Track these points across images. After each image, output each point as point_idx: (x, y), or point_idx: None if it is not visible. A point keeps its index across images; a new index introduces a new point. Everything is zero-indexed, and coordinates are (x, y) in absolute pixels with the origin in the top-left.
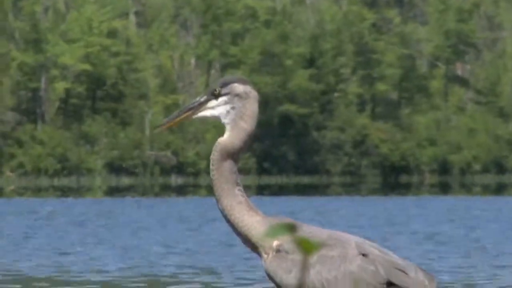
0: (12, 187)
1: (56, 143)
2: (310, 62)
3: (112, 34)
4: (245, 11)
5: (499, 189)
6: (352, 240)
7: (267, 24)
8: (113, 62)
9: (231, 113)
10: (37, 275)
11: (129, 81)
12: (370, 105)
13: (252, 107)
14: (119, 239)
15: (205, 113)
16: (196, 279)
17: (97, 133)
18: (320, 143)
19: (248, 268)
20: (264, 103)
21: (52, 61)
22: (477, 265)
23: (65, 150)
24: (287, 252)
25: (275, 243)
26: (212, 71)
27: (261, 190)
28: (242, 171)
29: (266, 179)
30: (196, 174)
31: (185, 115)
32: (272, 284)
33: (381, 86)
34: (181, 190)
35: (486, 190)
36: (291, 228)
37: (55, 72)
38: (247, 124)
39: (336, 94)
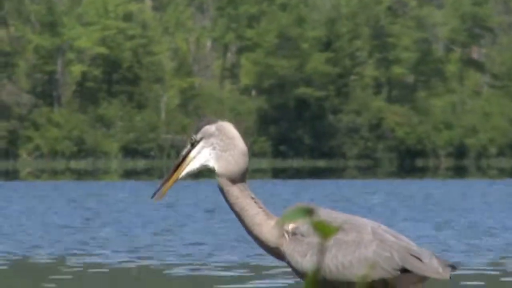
0: (28, 169)
1: (72, 126)
2: (326, 46)
3: (128, 17)
4: None
5: None
6: (368, 225)
7: (283, 7)
8: (129, 45)
9: (212, 153)
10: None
11: (145, 64)
12: (386, 88)
13: (229, 134)
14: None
15: (192, 165)
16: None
17: (113, 116)
18: (336, 127)
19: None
20: (280, 86)
21: (68, 44)
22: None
23: (81, 133)
24: (303, 235)
25: (291, 226)
26: (228, 54)
27: (277, 173)
28: (258, 154)
29: (282, 163)
30: None
31: (175, 175)
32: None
33: (397, 70)
34: (197, 174)
35: (502, 173)
36: (308, 212)
37: (71, 55)
38: (235, 149)
39: (352, 77)
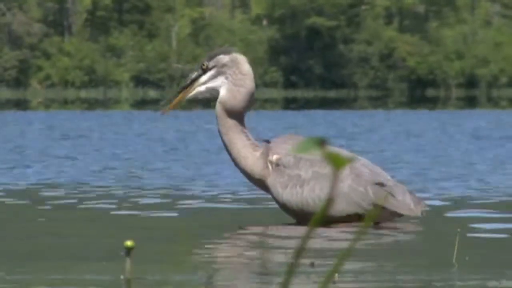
0: (39, 99)
1: (83, 55)
2: None
3: None
4: None
5: None
6: None
7: None
8: None
9: (225, 82)
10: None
11: None
12: (398, 18)
13: (242, 69)
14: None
15: (200, 88)
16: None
17: (124, 46)
18: (347, 56)
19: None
20: (292, 16)
21: None
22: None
23: (92, 62)
24: (285, 167)
25: (274, 157)
26: None
27: (288, 103)
28: (269, 84)
29: (293, 93)
30: None
31: (180, 95)
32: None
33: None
34: (207, 103)
35: None
36: (320, 143)
37: None
38: (244, 86)
39: (363, 7)
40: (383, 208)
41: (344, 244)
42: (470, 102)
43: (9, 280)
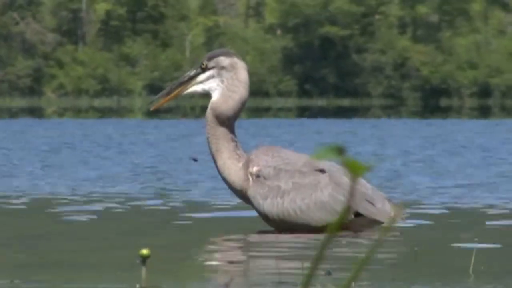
0: (53, 108)
1: (96, 64)
2: None
3: None
4: None
5: None
6: (326, 168)
7: None
8: None
9: (220, 86)
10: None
11: (170, 2)
12: (411, 27)
13: (239, 76)
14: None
15: (196, 88)
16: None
17: (137, 55)
18: (361, 66)
19: None
20: (305, 25)
21: None
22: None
23: (105, 71)
24: (265, 178)
25: (255, 168)
26: None
27: (302, 112)
28: (283, 93)
29: (307, 101)
30: None
31: (177, 90)
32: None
33: (422, 9)
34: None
35: None
36: (339, 151)
37: None
38: (237, 93)
39: (377, 17)
40: (362, 216)
41: (348, 252)
42: (484, 112)
43: None
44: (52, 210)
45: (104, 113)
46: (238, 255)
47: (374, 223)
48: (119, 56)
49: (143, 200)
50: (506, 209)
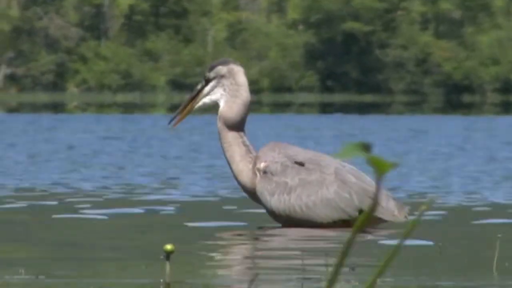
0: (75, 103)
1: (119, 59)
2: None
3: None
4: None
5: None
6: (332, 165)
7: None
8: None
9: (223, 94)
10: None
11: None
12: (434, 23)
13: (238, 80)
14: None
15: (204, 100)
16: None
17: (160, 50)
18: (383, 61)
19: None
20: (328, 21)
21: None
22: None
23: (128, 66)
24: (272, 174)
25: (262, 164)
26: None
27: (324, 108)
28: (305, 89)
29: (329, 97)
30: (258, 91)
31: (190, 105)
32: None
33: (444, 5)
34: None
35: None
36: (365, 148)
37: None
38: (239, 97)
39: (399, 12)
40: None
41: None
42: (506, 108)
43: (49, 284)
44: (75, 206)
45: (127, 108)
46: (262, 251)
47: (378, 221)
48: (142, 51)
49: (163, 194)
50: None
